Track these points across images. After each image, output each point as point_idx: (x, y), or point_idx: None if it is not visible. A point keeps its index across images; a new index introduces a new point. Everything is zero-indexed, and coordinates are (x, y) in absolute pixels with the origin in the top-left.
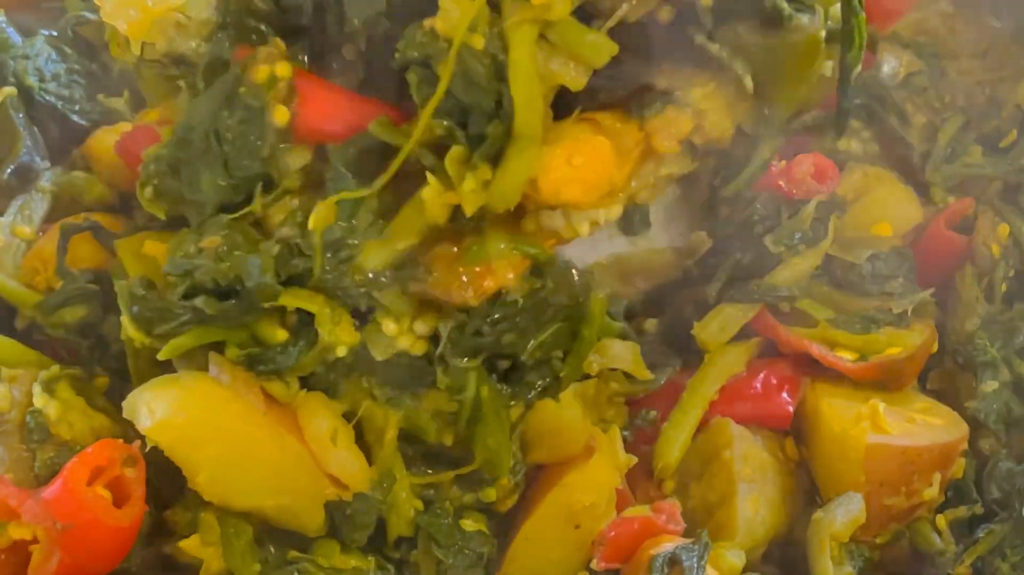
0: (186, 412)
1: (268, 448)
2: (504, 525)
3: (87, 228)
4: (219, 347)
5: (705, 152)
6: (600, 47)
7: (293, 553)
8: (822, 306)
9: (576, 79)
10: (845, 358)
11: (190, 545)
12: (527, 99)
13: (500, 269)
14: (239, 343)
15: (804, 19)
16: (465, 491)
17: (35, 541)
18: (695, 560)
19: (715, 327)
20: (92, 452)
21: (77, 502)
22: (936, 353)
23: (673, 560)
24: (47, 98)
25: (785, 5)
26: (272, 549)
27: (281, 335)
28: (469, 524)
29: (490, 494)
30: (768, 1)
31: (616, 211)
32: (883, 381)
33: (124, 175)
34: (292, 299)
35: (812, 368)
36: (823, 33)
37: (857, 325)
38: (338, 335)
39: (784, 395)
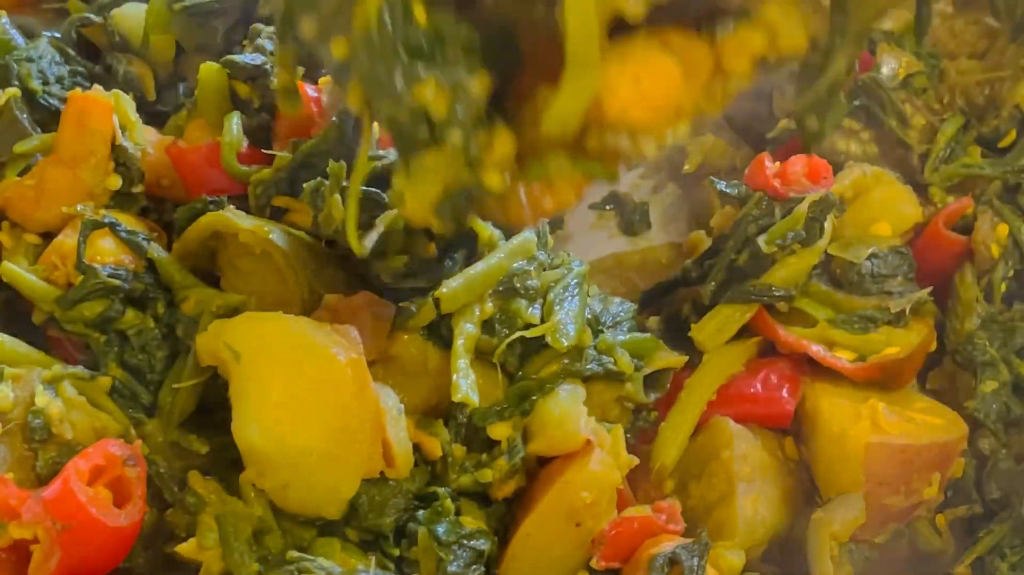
0: (275, 331)
1: (347, 390)
2: (505, 522)
3: (106, 224)
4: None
5: (776, 65)
6: None
7: (292, 553)
8: (821, 306)
9: (635, 7)
10: (844, 358)
11: (188, 549)
12: (582, 23)
13: (561, 189)
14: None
15: None
16: (461, 473)
17: (35, 541)
18: (695, 560)
19: (712, 328)
20: (93, 452)
21: (77, 502)
22: (935, 353)
23: (673, 560)
24: (51, 101)
25: None
26: (271, 548)
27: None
28: (469, 521)
29: (486, 474)
30: None
31: (683, 130)
32: (882, 381)
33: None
34: None
35: (812, 368)
36: None
37: (856, 325)
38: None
39: (784, 395)
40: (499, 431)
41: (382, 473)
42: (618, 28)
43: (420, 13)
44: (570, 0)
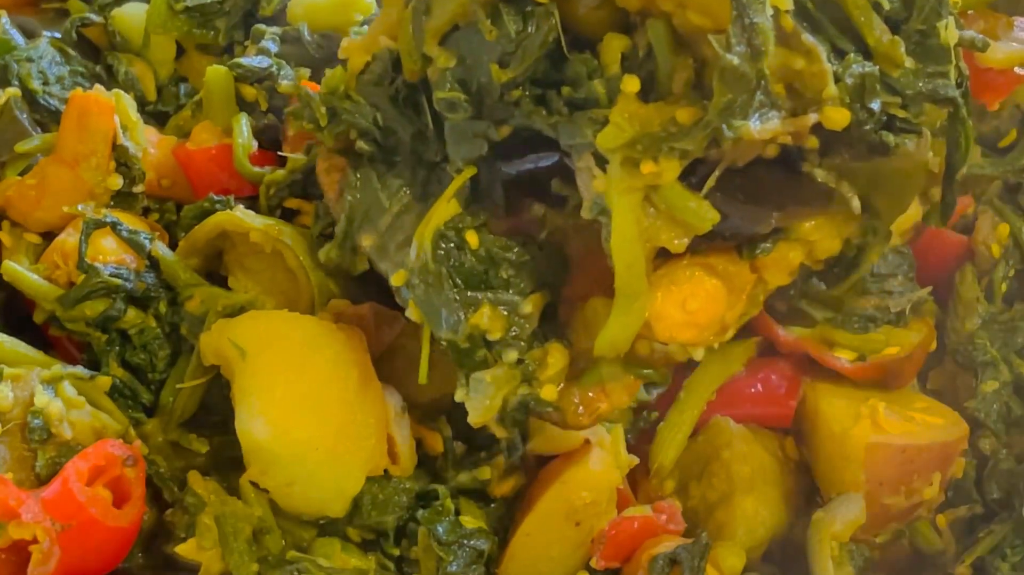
0: (281, 328)
1: (352, 386)
2: (504, 522)
3: (107, 223)
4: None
5: (813, 266)
6: (702, 214)
7: (293, 553)
8: (820, 305)
9: (678, 244)
10: (844, 358)
11: (187, 550)
12: (629, 263)
13: (615, 392)
14: None
15: (910, 145)
16: (460, 470)
17: (35, 541)
18: (695, 560)
19: None
20: (92, 452)
21: (77, 502)
22: (936, 352)
23: (673, 560)
24: (51, 101)
25: (891, 137)
26: (271, 548)
27: None
28: (469, 521)
29: (485, 472)
30: (874, 135)
31: (730, 334)
32: (882, 380)
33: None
34: None
35: (812, 367)
36: (930, 155)
37: (856, 324)
38: None
39: (784, 395)
40: (499, 429)
41: (385, 471)
42: (663, 252)
43: (473, 238)
44: (617, 238)
